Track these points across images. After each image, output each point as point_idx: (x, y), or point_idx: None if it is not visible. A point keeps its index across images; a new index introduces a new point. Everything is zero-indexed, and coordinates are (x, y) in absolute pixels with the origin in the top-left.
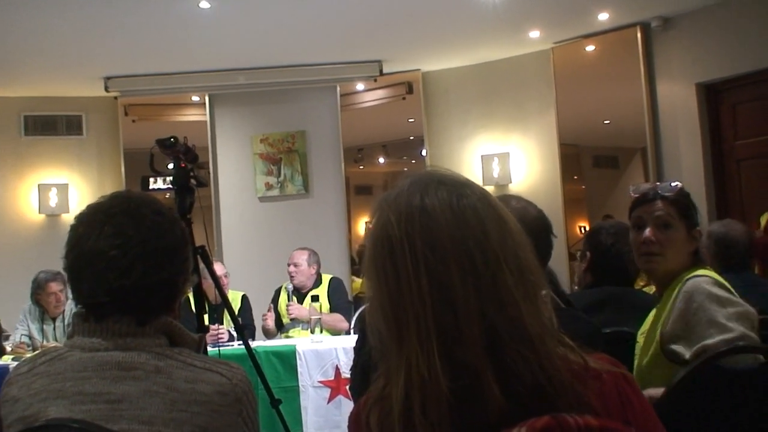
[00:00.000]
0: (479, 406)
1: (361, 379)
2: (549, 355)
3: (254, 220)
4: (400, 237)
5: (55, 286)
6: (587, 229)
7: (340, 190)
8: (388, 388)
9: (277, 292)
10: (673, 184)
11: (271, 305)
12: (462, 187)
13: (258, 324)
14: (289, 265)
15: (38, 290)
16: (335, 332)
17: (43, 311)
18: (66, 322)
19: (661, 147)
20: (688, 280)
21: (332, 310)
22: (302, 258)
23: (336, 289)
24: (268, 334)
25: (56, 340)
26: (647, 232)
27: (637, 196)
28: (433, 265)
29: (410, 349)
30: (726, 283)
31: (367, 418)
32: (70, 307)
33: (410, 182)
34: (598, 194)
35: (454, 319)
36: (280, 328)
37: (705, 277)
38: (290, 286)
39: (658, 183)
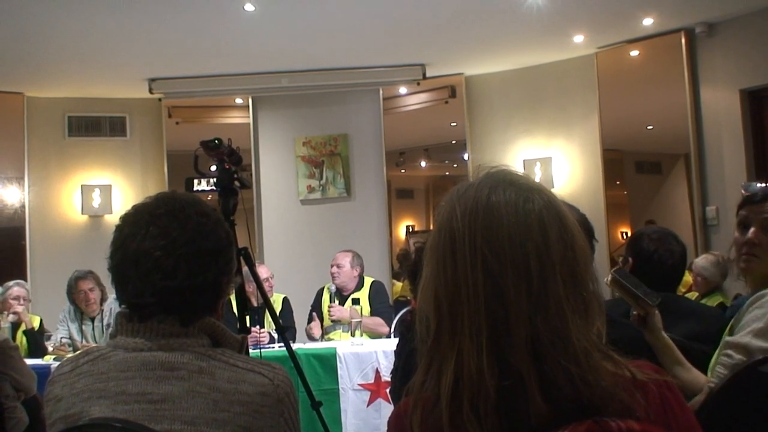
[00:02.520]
0: (522, 409)
1: (402, 382)
2: (594, 370)
3: (296, 222)
4: (462, 230)
5: (84, 284)
6: (629, 234)
7: (382, 193)
8: (428, 384)
9: (319, 294)
10: None
11: (314, 315)
12: (531, 191)
13: (299, 326)
14: (332, 266)
15: (71, 290)
16: (375, 336)
17: (81, 311)
18: (105, 322)
19: (704, 153)
20: None
21: (373, 313)
22: (345, 259)
23: (377, 292)
24: (311, 337)
25: (95, 340)
26: (751, 232)
27: (747, 195)
28: (490, 263)
29: (462, 341)
30: None
31: (410, 419)
32: (109, 307)
33: (482, 178)
34: (640, 200)
35: (505, 319)
36: (322, 330)
37: None
38: (333, 287)
39: None
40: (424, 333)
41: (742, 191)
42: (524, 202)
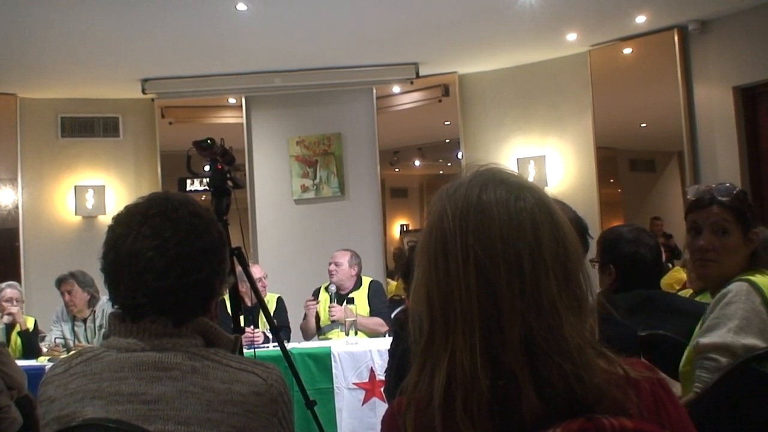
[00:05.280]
0: (516, 407)
1: (396, 381)
2: (588, 367)
3: (290, 222)
4: (453, 230)
5: (63, 287)
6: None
7: (376, 192)
8: (424, 382)
9: (316, 293)
10: (728, 186)
11: (308, 305)
12: (521, 189)
13: (294, 325)
14: (330, 263)
15: (59, 292)
16: (374, 335)
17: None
18: (97, 323)
19: (697, 150)
20: (731, 283)
21: (373, 314)
22: (344, 258)
23: (376, 292)
24: (307, 335)
25: (87, 341)
26: (703, 239)
27: (693, 199)
28: (482, 262)
29: (455, 341)
30: (764, 288)
31: (403, 418)
32: (101, 308)
33: (472, 176)
34: (634, 198)
35: (498, 318)
36: (319, 329)
37: (745, 283)
38: (332, 288)
39: (713, 186)
40: (417, 334)
41: (688, 197)
42: (515, 201)
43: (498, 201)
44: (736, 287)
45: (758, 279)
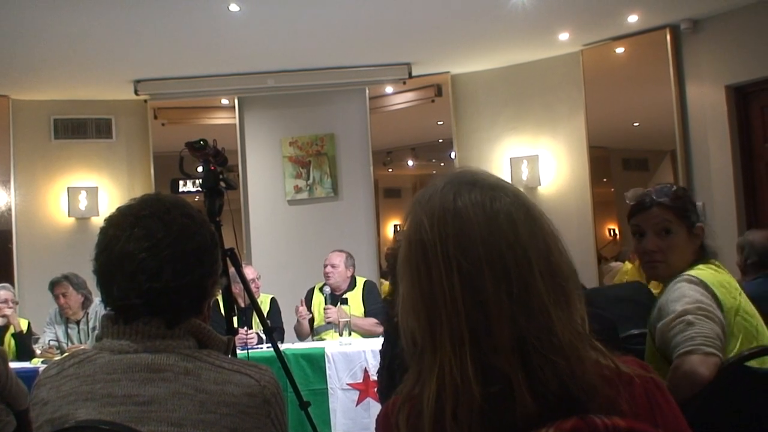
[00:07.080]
0: (509, 411)
1: (388, 381)
2: (581, 361)
3: (283, 223)
4: (432, 239)
5: (57, 289)
6: (617, 231)
7: (369, 193)
8: (418, 388)
9: (310, 293)
10: (667, 187)
11: (303, 303)
12: (495, 189)
13: (287, 326)
14: (325, 266)
15: (52, 294)
16: (369, 336)
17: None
18: (90, 325)
19: (690, 149)
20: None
21: (368, 314)
22: (339, 259)
23: (371, 293)
24: (300, 336)
25: (81, 342)
26: (648, 241)
27: (633, 204)
28: (465, 269)
29: (443, 352)
30: (707, 281)
31: (396, 418)
32: (94, 310)
33: (444, 183)
34: None
35: (486, 323)
36: (312, 330)
37: (687, 278)
38: (327, 290)
39: (653, 188)
40: (410, 346)
41: (628, 201)
42: (491, 202)
43: (474, 204)
44: (678, 283)
45: (699, 273)
